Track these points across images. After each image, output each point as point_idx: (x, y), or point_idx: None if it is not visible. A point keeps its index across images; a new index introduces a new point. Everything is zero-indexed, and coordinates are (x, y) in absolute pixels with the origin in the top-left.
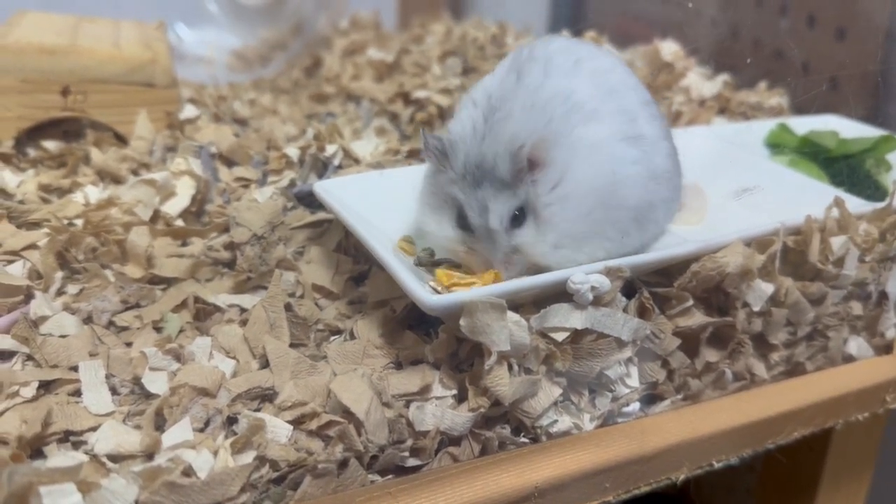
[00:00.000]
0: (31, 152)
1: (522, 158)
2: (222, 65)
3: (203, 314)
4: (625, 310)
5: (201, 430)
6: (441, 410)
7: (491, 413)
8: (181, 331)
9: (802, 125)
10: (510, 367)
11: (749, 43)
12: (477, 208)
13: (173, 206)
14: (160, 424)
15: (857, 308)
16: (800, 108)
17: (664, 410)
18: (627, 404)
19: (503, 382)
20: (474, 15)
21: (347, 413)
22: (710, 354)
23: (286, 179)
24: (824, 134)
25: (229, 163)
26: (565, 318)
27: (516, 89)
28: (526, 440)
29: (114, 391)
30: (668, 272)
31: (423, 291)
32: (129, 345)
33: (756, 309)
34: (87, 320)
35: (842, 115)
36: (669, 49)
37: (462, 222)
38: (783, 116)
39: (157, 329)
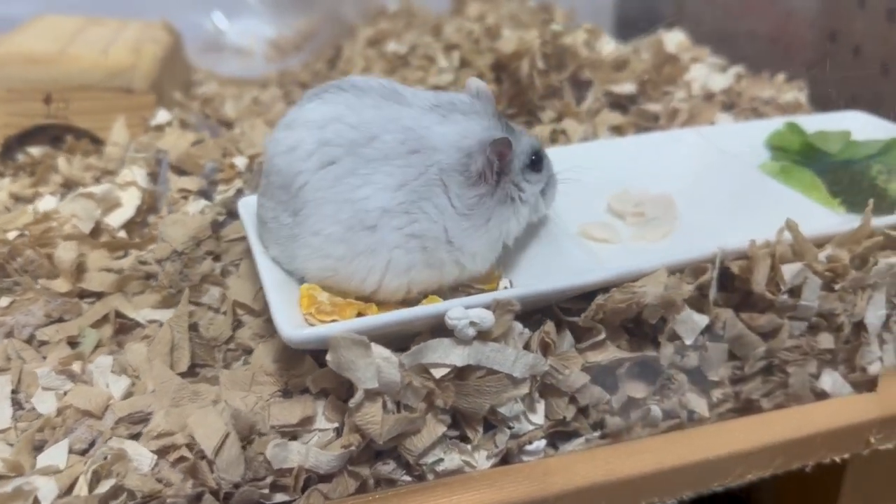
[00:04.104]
0: (21, 158)
1: None
2: (260, 55)
3: (125, 329)
4: (528, 343)
5: (83, 453)
6: (306, 448)
7: (379, 447)
8: (98, 346)
9: (816, 124)
10: (385, 405)
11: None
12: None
13: (117, 218)
14: (42, 445)
15: (826, 341)
16: (821, 102)
17: (578, 449)
18: (531, 442)
19: (375, 420)
20: None
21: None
22: (633, 389)
23: (233, 189)
24: (831, 135)
25: (180, 172)
26: (445, 354)
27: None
28: (409, 478)
29: (19, 406)
30: (592, 299)
31: (288, 324)
32: (46, 359)
33: (689, 342)
34: (9, 334)
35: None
36: (674, 40)
37: (537, 164)
38: (801, 113)
39: (73, 345)
